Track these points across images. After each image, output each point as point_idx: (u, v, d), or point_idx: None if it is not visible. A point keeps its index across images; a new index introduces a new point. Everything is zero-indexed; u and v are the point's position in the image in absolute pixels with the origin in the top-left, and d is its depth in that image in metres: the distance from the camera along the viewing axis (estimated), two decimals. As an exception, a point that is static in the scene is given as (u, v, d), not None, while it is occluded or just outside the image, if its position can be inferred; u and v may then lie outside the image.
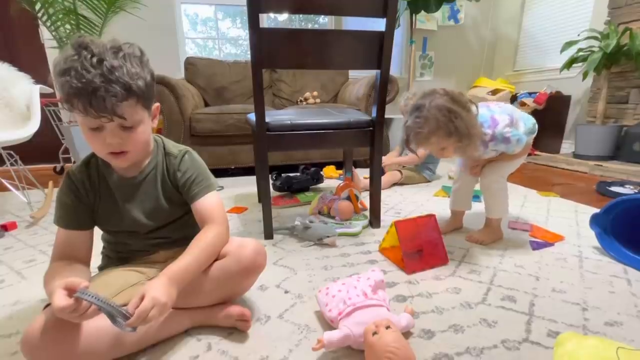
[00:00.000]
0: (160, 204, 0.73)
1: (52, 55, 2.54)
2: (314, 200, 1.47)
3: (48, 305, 0.58)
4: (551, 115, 2.86)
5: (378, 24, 1.12)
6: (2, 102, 1.62)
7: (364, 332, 0.61)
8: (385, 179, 1.90)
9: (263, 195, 1.20)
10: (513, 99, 3.19)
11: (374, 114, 1.23)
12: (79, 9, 2.03)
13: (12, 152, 1.69)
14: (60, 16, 1.99)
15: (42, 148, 2.47)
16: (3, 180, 1.65)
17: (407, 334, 0.70)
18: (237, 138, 2.20)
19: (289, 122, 1.19)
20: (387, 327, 0.59)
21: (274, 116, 1.26)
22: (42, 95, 1.71)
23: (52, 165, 2.62)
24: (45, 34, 2.39)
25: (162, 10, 2.76)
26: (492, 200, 1.15)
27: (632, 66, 2.34)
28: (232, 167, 2.32)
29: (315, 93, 2.79)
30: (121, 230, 0.73)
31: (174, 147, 0.77)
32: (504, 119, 1.01)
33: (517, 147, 1.04)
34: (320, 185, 1.95)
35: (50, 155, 2.62)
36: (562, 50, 2.52)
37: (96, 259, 0.76)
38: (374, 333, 0.59)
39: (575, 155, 2.61)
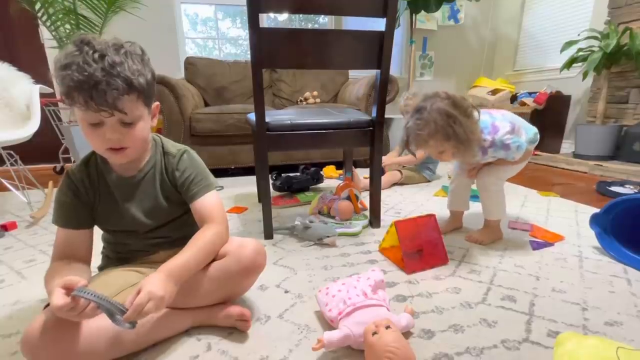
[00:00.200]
0: (159, 203, 0.73)
1: (52, 55, 2.54)
2: (314, 200, 1.47)
3: (48, 305, 0.58)
4: (551, 115, 2.86)
5: (378, 24, 1.12)
6: (2, 102, 1.61)
7: (364, 332, 0.61)
8: (385, 179, 1.90)
9: (263, 195, 1.20)
10: (513, 99, 3.19)
11: (374, 114, 1.24)
12: (78, 8, 2.04)
13: (12, 152, 1.68)
14: (60, 16, 1.99)
15: (42, 148, 2.47)
16: (3, 180, 1.65)
17: (407, 333, 0.70)
18: (237, 138, 2.20)
19: (289, 122, 1.19)
20: (387, 327, 0.59)
21: (274, 116, 1.26)
22: (42, 95, 1.71)
23: (52, 165, 2.62)
24: (45, 34, 2.39)
25: (162, 10, 2.76)
26: (489, 202, 1.15)
27: (632, 66, 2.34)
28: (232, 167, 2.32)
29: (315, 93, 2.79)
30: (121, 229, 0.74)
31: (172, 146, 0.77)
32: (505, 126, 1.01)
33: (516, 154, 1.04)
34: (320, 185, 1.95)
35: (50, 155, 2.62)
36: (562, 50, 2.52)
37: (96, 259, 0.76)
38: (374, 333, 0.59)
39: (575, 155, 2.61)
